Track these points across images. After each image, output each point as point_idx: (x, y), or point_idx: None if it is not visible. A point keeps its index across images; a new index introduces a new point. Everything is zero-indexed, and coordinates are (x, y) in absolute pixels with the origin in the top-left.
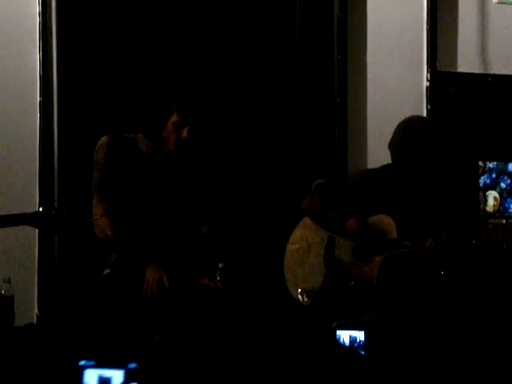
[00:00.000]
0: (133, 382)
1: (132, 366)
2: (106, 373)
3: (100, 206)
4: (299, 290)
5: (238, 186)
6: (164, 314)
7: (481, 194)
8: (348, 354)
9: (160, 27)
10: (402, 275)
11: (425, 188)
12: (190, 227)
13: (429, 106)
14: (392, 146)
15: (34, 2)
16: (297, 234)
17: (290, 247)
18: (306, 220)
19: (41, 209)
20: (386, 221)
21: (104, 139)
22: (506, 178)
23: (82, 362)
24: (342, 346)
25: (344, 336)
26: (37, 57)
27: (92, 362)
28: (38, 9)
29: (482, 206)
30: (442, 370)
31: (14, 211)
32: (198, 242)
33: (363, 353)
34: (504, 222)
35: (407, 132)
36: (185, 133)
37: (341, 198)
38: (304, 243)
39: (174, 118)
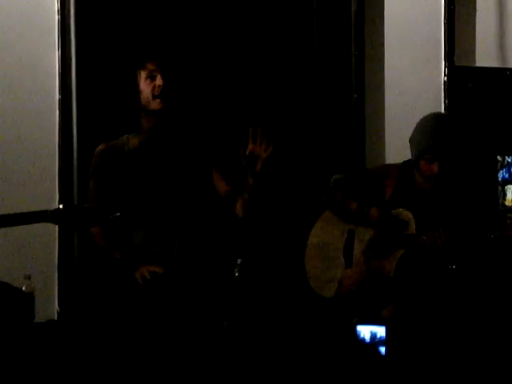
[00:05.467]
0: None
1: None
2: None
3: None
4: None
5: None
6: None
7: (499, 188)
8: (369, 350)
9: (177, 29)
10: (420, 270)
11: (443, 184)
12: (194, 218)
13: (446, 101)
14: (411, 142)
15: None
16: (317, 228)
17: (311, 241)
18: (327, 214)
19: (61, 206)
20: (405, 215)
21: (96, 149)
22: None
23: None
24: (363, 342)
25: (364, 331)
26: (55, 55)
27: None
28: (56, 6)
29: (500, 201)
30: (462, 364)
31: (34, 208)
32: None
33: (384, 348)
34: None
35: (426, 128)
36: (158, 80)
37: (361, 191)
38: (324, 237)
39: (142, 77)
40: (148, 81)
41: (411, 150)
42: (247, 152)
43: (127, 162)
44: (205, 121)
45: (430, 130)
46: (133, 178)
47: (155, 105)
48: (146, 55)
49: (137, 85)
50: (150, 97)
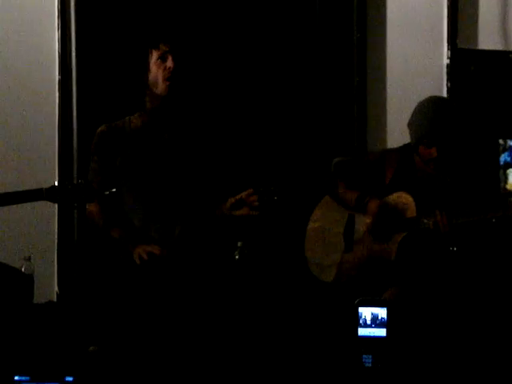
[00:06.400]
0: None
1: (69, 379)
2: None
3: None
4: None
5: (256, 167)
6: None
7: (501, 172)
8: None
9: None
10: (421, 253)
11: (442, 167)
12: (194, 202)
13: (449, 84)
14: (410, 127)
15: None
16: (317, 212)
17: (311, 225)
18: (327, 199)
19: (57, 183)
20: (405, 198)
21: (98, 130)
22: None
23: (17, 378)
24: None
25: (366, 313)
26: (55, 35)
27: (26, 378)
28: None
29: (502, 185)
30: (462, 346)
31: (34, 187)
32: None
33: (385, 330)
34: None
35: (424, 113)
36: (169, 62)
37: (361, 177)
38: (324, 221)
39: (154, 57)
40: (159, 61)
41: (410, 135)
42: (238, 197)
43: (128, 143)
44: (206, 106)
45: (427, 115)
46: (134, 159)
47: (162, 89)
48: (160, 36)
49: (147, 63)
50: (160, 78)
